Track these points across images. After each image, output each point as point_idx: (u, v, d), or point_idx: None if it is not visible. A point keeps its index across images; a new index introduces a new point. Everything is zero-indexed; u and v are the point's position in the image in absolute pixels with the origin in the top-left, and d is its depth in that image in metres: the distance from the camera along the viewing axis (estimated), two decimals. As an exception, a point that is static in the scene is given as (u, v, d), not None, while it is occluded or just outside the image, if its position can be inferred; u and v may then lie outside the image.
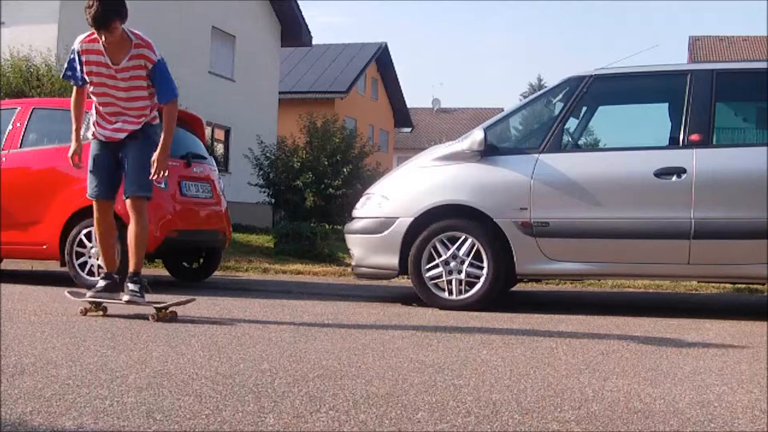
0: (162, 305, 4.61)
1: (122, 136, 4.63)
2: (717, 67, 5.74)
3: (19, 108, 7.19)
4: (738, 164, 5.40)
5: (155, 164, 4.56)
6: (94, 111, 4.70)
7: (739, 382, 3.17)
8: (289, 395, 2.71)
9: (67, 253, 6.60)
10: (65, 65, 4.65)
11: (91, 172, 4.70)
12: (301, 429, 2.31)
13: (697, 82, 5.58)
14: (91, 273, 6.55)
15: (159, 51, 4.54)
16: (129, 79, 4.52)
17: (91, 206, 6.48)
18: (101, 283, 4.78)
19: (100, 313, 4.75)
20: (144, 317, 4.63)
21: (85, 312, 4.72)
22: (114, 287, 4.75)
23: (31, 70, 11.84)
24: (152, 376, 2.96)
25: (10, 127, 7.04)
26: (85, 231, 6.56)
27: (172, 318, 4.59)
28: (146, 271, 8.80)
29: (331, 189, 16.04)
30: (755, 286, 7.57)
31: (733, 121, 6.59)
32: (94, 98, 4.64)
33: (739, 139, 6.44)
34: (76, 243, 6.57)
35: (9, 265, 8.28)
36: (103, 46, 4.46)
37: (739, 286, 7.67)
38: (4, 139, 7.00)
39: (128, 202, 4.63)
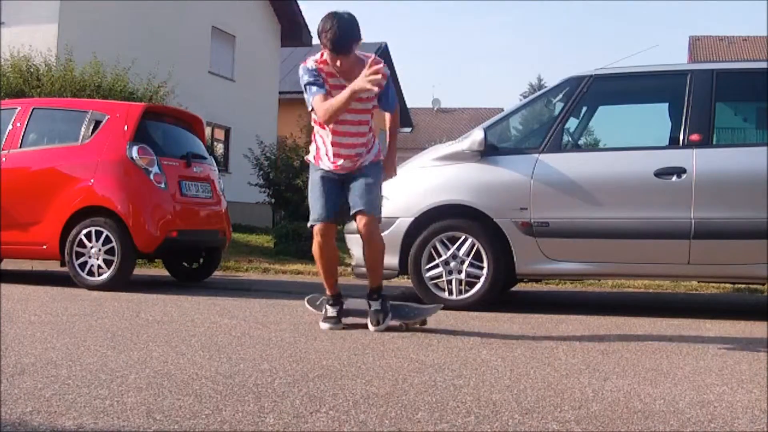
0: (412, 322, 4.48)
1: (356, 167, 4.37)
2: (717, 67, 5.73)
3: (19, 108, 7.19)
4: (738, 164, 5.40)
5: (386, 168, 4.48)
6: (320, 143, 4.42)
7: (739, 382, 3.17)
8: (289, 395, 2.72)
9: (67, 253, 6.60)
10: (307, 82, 4.20)
11: (315, 195, 4.37)
12: (301, 429, 2.31)
13: (697, 82, 5.58)
14: (91, 273, 6.55)
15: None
16: (362, 100, 4.24)
17: (90, 206, 6.59)
18: (331, 311, 4.50)
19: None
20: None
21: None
22: (343, 312, 4.56)
23: (31, 70, 11.83)
24: (152, 376, 2.96)
25: (10, 127, 7.04)
26: (85, 231, 6.56)
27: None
28: (145, 271, 8.82)
29: (331, 189, 16.02)
30: (755, 286, 7.57)
31: (733, 121, 6.59)
32: (325, 128, 4.32)
33: (739, 139, 6.44)
34: (76, 243, 6.57)
35: (9, 265, 8.28)
36: (336, 70, 4.18)
37: (739, 286, 7.67)
38: (4, 139, 7.00)
39: (362, 219, 4.31)
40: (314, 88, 4.20)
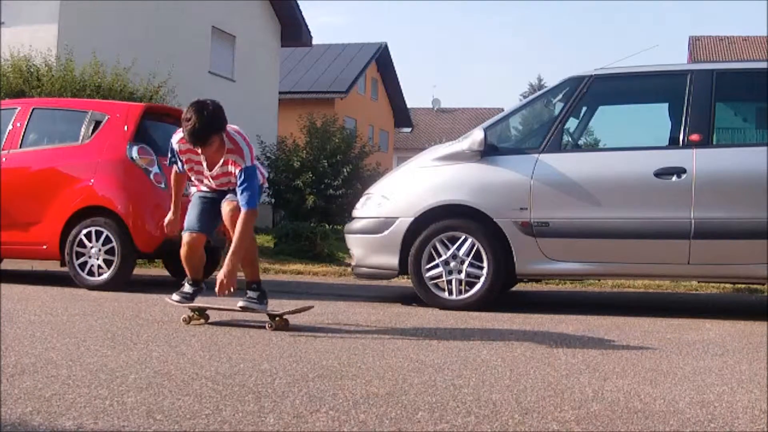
0: (277, 313, 4.45)
1: (226, 188, 4.51)
2: (717, 67, 5.74)
3: (19, 108, 7.19)
4: (738, 164, 5.40)
5: (219, 283, 4.17)
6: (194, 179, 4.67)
7: (739, 382, 3.17)
8: (289, 395, 2.72)
9: (67, 253, 6.60)
10: (171, 157, 4.52)
11: (192, 209, 4.58)
12: (301, 429, 2.31)
13: (697, 82, 5.58)
14: (91, 273, 6.55)
15: (253, 155, 4.37)
16: (222, 175, 4.41)
17: (90, 206, 6.59)
18: (188, 288, 4.61)
19: (202, 321, 4.56)
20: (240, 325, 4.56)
21: (188, 320, 4.53)
22: (198, 294, 4.64)
23: (31, 70, 11.83)
24: (152, 376, 2.96)
25: (10, 127, 7.04)
26: (85, 231, 6.56)
27: (285, 326, 4.39)
28: (146, 271, 8.82)
29: (331, 189, 16.05)
30: (755, 286, 7.57)
31: (733, 121, 6.59)
32: (193, 177, 4.60)
33: (739, 139, 6.44)
34: (76, 243, 6.57)
35: (9, 265, 8.28)
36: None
37: (739, 286, 7.67)
38: (4, 139, 6.99)
39: (227, 207, 4.41)
40: (173, 165, 4.58)
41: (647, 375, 3.26)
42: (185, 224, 4.58)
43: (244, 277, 4.58)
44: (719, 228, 5.27)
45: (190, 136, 4.13)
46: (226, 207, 4.41)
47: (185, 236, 4.52)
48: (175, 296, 4.62)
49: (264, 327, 4.39)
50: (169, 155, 4.56)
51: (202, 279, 4.69)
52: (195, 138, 4.13)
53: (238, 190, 4.28)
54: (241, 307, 4.44)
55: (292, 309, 4.61)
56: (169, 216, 4.71)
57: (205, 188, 4.63)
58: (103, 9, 14.72)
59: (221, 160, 4.34)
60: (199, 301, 4.68)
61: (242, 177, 4.25)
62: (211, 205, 4.58)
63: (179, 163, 4.53)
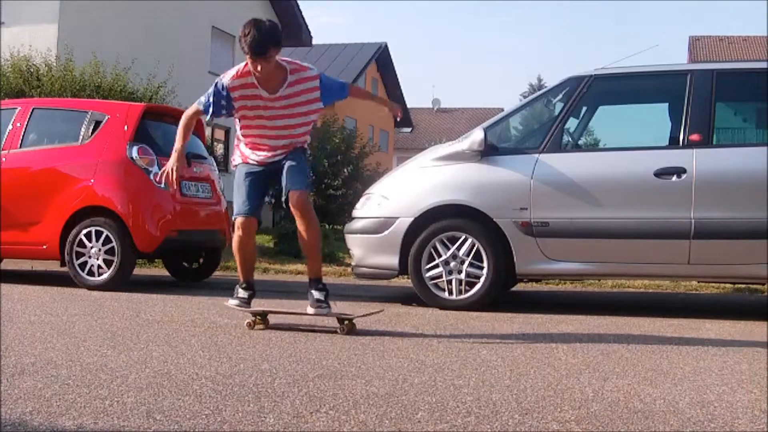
0: (348, 316, 4.29)
1: (280, 158, 4.36)
2: (717, 67, 5.74)
3: (19, 108, 7.18)
4: (738, 164, 5.40)
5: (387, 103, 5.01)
6: (242, 142, 4.45)
7: (739, 382, 3.17)
8: (289, 395, 2.72)
9: (67, 253, 6.60)
10: (207, 100, 4.29)
11: (239, 190, 4.37)
12: (301, 429, 2.31)
13: (697, 82, 5.58)
14: (91, 273, 6.55)
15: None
16: (289, 106, 4.26)
17: (90, 206, 6.59)
18: (243, 294, 4.43)
19: (263, 326, 4.40)
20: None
21: (252, 325, 4.36)
22: (253, 297, 4.50)
23: (31, 70, 11.85)
24: (152, 376, 2.96)
25: (10, 127, 7.03)
26: (85, 231, 6.56)
27: (353, 330, 4.25)
28: (146, 271, 8.82)
29: (331, 189, 16.06)
30: (755, 286, 7.57)
31: (733, 121, 6.59)
32: (245, 131, 4.39)
33: (739, 139, 6.44)
34: (76, 243, 6.57)
35: (9, 265, 8.28)
36: (255, 77, 4.18)
37: (739, 286, 7.66)
38: (4, 139, 6.99)
39: (293, 197, 4.24)
40: (203, 99, 4.32)
41: (647, 375, 3.26)
42: (235, 209, 4.36)
43: (308, 272, 4.41)
44: (719, 228, 5.27)
45: (249, 47, 4.02)
46: (293, 197, 4.24)
47: (238, 221, 4.32)
48: (233, 301, 4.47)
49: (336, 332, 4.23)
50: (210, 102, 4.27)
51: (254, 281, 4.53)
52: (254, 49, 4.02)
53: (334, 90, 4.41)
54: (314, 313, 4.29)
55: (363, 313, 4.48)
56: (173, 162, 4.26)
57: (252, 155, 4.38)
58: (103, 9, 14.73)
59: (285, 83, 4.21)
60: (257, 305, 4.56)
61: (324, 81, 4.35)
62: (258, 182, 4.40)
63: (219, 105, 4.27)
